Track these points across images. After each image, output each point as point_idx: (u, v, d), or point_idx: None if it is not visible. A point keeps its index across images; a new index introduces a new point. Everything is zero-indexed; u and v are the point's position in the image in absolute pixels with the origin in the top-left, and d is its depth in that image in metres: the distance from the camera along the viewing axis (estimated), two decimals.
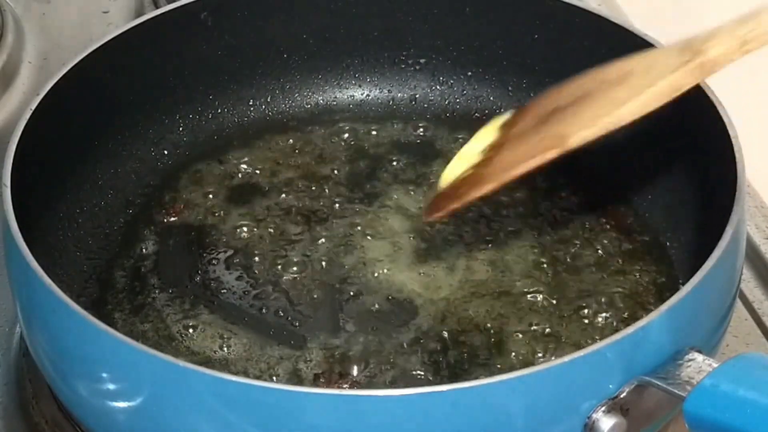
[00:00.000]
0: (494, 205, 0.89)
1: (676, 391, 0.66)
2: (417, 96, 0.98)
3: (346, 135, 0.95)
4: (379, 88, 0.98)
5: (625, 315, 0.81)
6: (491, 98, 0.96)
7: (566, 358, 0.65)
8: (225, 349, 0.79)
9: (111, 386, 0.69)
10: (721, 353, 0.76)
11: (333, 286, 0.83)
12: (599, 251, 0.86)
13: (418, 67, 0.98)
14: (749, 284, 0.91)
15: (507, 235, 0.87)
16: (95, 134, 0.89)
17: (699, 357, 0.68)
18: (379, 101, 0.98)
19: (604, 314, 0.81)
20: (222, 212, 0.89)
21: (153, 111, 0.93)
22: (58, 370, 0.73)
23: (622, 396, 0.67)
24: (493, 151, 0.81)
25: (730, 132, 0.78)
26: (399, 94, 0.98)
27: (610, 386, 0.67)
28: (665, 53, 0.78)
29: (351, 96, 0.98)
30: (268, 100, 0.97)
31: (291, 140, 0.95)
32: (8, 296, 0.78)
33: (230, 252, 0.86)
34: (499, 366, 0.78)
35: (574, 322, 0.81)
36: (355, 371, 0.78)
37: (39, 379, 0.82)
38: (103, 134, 0.90)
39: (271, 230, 0.88)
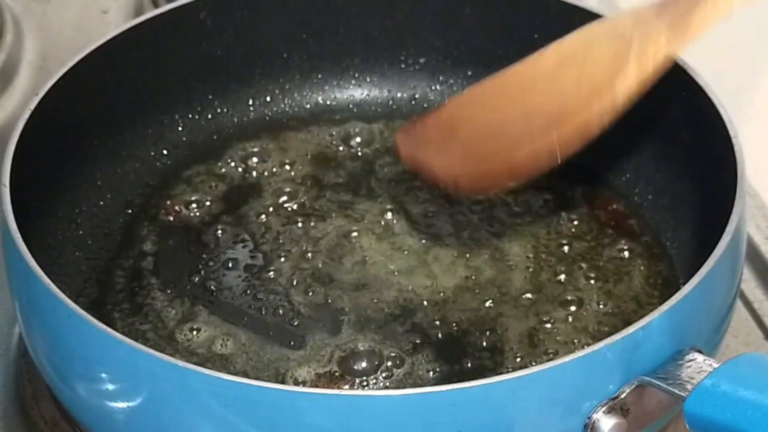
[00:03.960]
0: (494, 205, 0.89)
1: (676, 391, 0.66)
2: (417, 96, 0.98)
3: (346, 135, 0.95)
4: (379, 88, 0.98)
5: (626, 315, 0.81)
6: None
7: (566, 358, 0.65)
8: (224, 349, 0.79)
9: (110, 386, 0.69)
10: (721, 353, 0.76)
11: (332, 286, 0.83)
12: (599, 251, 0.86)
13: (418, 67, 0.98)
14: (749, 284, 0.91)
15: (507, 235, 0.87)
16: (94, 134, 0.89)
17: (699, 357, 0.68)
18: (379, 101, 0.98)
19: (604, 314, 0.81)
20: (221, 212, 0.89)
21: (152, 111, 0.93)
22: (57, 371, 0.73)
23: (622, 396, 0.67)
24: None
25: (730, 132, 0.78)
26: (399, 94, 0.98)
27: (611, 386, 0.67)
28: (636, 19, 0.77)
29: (351, 96, 0.98)
30: (268, 100, 0.97)
31: (291, 140, 0.95)
32: (7, 296, 0.78)
33: (229, 252, 0.86)
34: (499, 366, 0.78)
35: (574, 322, 0.81)
36: (354, 371, 0.78)
37: (38, 379, 0.82)
38: (102, 134, 0.89)
39: (271, 230, 0.88)
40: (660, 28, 0.75)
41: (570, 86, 0.78)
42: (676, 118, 0.86)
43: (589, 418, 0.67)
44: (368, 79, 0.98)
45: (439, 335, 0.80)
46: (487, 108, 0.82)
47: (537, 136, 0.78)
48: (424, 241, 0.86)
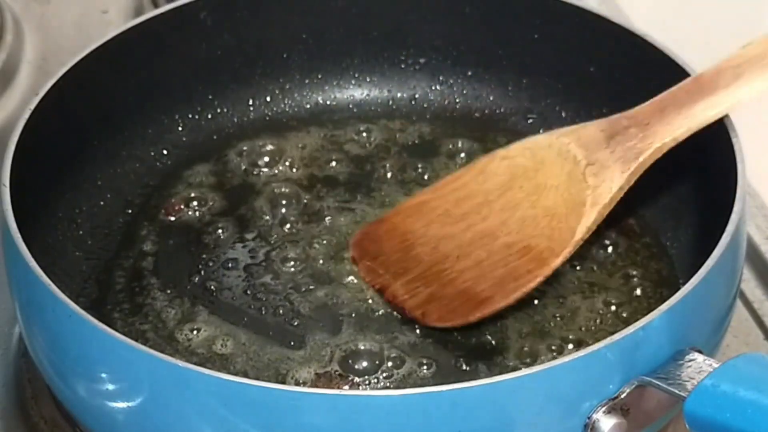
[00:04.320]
0: None
1: (676, 391, 0.66)
2: (417, 96, 0.98)
3: (346, 135, 0.95)
4: (379, 88, 0.98)
5: (625, 315, 0.81)
6: (491, 98, 0.96)
7: (566, 358, 0.65)
8: (224, 349, 0.79)
9: (110, 386, 0.69)
10: (721, 353, 0.76)
11: (333, 286, 0.83)
12: (600, 251, 0.86)
13: (418, 67, 0.98)
14: (749, 284, 0.91)
15: None
16: (94, 134, 0.89)
17: (699, 357, 0.68)
18: (379, 101, 0.98)
19: (604, 314, 0.81)
20: (221, 212, 0.89)
21: (152, 111, 0.93)
22: (57, 371, 0.73)
23: (622, 396, 0.67)
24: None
25: (730, 132, 0.78)
26: (399, 94, 0.98)
27: (611, 386, 0.67)
28: (587, 149, 0.77)
29: (351, 96, 0.98)
30: (268, 100, 0.97)
31: (291, 140, 0.95)
32: (7, 296, 0.78)
33: (229, 252, 0.86)
34: (499, 366, 0.78)
35: (575, 322, 0.81)
36: (355, 371, 0.78)
37: (38, 379, 0.82)
38: (102, 134, 0.89)
39: (271, 230, 0.88)
40: (612, 163, 0.75)
41: (528, 215, 0.78)
42: None
43: (589, 418, 0.67)
44: (368, 79, 0.98)
45: (440, 335, 0.80)
46: (440, 224, 0.82)
47: (500, 270, 0.78)
48: None
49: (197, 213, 0.89)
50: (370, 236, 0.85)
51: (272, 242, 0.87)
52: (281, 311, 0.82)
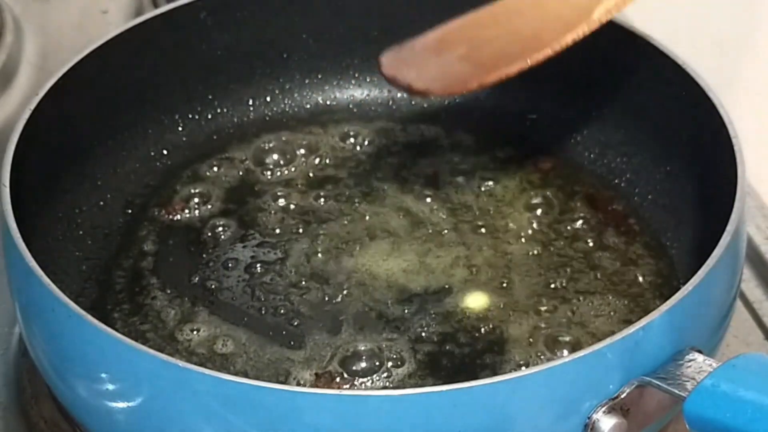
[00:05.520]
0: (495, 204, 0.89)
1: (676, 391, 0.66)
2: None
3: (346, 135, 0.95)
4: (379, 88, 0.98)
5: (625, 315, 0.81)
6: (491, 98, 0.96)
7: (566, 358, 0.65)
8: (224, 349, 0.79)
9: (110, 387, 0.69)
10: (721, 353, 0.76)
11: (333, 285, 0.83)
12: (599, 251, 0.86)
13: None
14: (749, 284, 0.91)
15: (507, 235, 0.87)
16: (94, 134, 0.89)
17: (699, 357, 0.68)
18: (379, 101, 0.98)
19: (604, 314, 0.81)
20: (221, 212, 0.89)
21: (152, 111, 0.93)
22: (58, 371, 0.73)
23: (622, 396, 0.67)
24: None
25: (730, 132, 0.78)
26: (399, 94, 0.98)
27: (611, 386, 0.67)
28: None
29: (351, 96, 0.98)
30: (268, 100, 0.97)
31: (291, 140, 0.95)
32: (7, 297, 0.78)
33: (229, 252, 0.86)
34: (499, 366, 0.78)
35: (574, 322, 0.81)
36: (355, 371, 0.78)
37: (38, 379, 0.82)
38: (102, 134, 0.90)
39: (271, 230, 0.88)
40: None
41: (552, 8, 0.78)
42: (677, 118, 0.86)
43: (589, 418, 0.67)
44: (368, 79, 0.98)
45: (440, 335, 0.80)
46: (474, 33, 0.82)
47: (509, 45, 0.79)
48: (424, 241, 0.87)
49: (197, 213, 0.89)
50: (405, 48, 0.87)
51: (272, 242, 0.87)
52: (281, 311, 0.82)
